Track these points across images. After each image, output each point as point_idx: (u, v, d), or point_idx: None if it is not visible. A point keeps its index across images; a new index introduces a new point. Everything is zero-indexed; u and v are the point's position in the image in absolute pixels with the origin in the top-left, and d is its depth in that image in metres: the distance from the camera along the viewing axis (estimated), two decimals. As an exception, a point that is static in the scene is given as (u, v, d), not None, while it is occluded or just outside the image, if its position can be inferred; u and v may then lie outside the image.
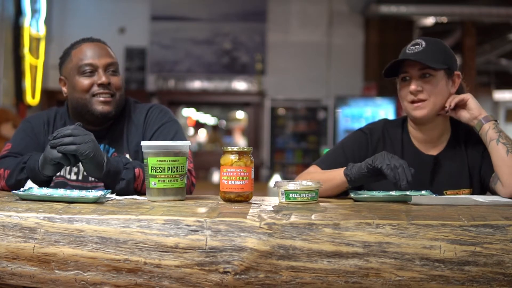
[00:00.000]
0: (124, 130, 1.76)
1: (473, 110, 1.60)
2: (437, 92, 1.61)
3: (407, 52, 1.62)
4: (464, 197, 1.48)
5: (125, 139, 1.75)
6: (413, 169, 1.43)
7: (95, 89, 1.69)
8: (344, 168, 1.52)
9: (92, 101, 1.69)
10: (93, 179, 1.69)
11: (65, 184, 1.70)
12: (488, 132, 1.57)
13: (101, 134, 1.72)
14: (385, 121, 1.78)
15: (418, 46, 1.61)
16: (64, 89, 1.77)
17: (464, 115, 1.62)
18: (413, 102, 1.62)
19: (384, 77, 1.68)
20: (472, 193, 1.64)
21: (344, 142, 1.75)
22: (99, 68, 1.70)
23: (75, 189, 1.65)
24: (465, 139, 1.69)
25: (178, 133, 1.74)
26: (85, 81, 1.69)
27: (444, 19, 8.30)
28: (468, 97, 1.61)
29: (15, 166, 1.57)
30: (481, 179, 1.65)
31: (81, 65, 1.70)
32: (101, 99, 1.69)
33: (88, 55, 1.71)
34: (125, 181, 1.49)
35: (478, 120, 1.59)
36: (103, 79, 1.68)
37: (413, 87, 1.60)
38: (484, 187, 1.66)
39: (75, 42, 1.77)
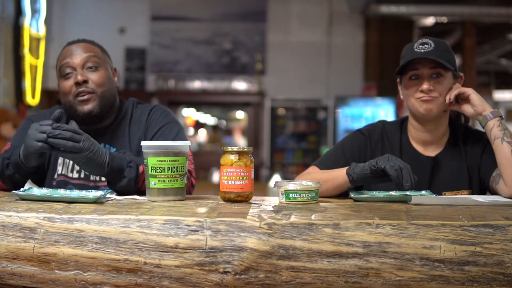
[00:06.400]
0: (126, 130, 1.76)
1: (476, 106, 1.59)
2: (445, 92, 1.62)
3: (417, 51, 1.61)
4: (464, 197, 1.48)
5: (127, 139, 1.75)
6: (416, 177, 1.43)
7: (74, 89, 1.66)
8: (346, 167, 1.52)
9: (75, 102, 1.67)
10: (95, 177, 1.69)
11: (66, 183, 1.69)
12: (493, 129, 1.55)
13: (100, 133, 1.72)
14: (383, 122, 1.78)
15: (427, 46, 1.60)
16: None
17: (468, 109, 1.61)
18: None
19: (395, 75, 1.67)
20: (471, 194, 1.63)
21: (343, 143, 1.75)
22: (77, 67, 1.67)
23: (77, 187, 1.66)
24: (464, 140, 1.69)
25: (179, 134, 1.74)
26: (66, 83, 1.68)
27: (444, 19, 8.30)
28: (470, 91, 1.60)
29: (1, 164, 1.56)
30: (480, 179, 1.65)
31: (61, 67, 1.69)
32: (80, 98, 1.66)
33: (67, 56, 1.69)
34: (126, 179, 1.49)
35: (483, 116, 1.58)
36: (78, 77, 1.65)
37: (425, 86, 1.60)
38: (483, 188, 1.66)
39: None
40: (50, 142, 1.38)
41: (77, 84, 1.66)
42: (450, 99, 1.60)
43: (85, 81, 1.66)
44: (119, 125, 1.77)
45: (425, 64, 1.60)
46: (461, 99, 1.62)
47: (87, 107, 1.67)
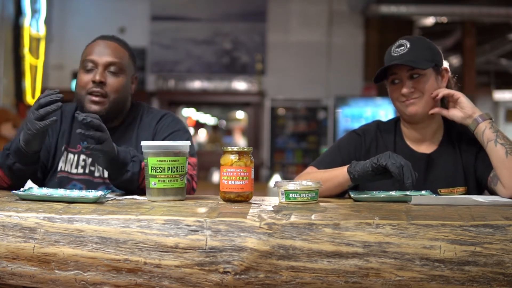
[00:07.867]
0: (134, 133, 1.76)
1: (466, 108, 1.58)
2: (429, 89, 1.62)
3: (393, 55, 1.62)
4: (464, 197, 1.48)
5: (134, 142, 1.74)
6: (416, 173, 1.42)
7: (89, 86, 1.66)
8: (347, 166, 1.52)
9: (86, 99, 1.67)
10: (99, 174, 1.69)
11: (69, 180, 1.69)
12: (485, 132, 1.55)
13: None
14: (378, 122, 1.80)
15: (403, 48, 1.61)
16: None
17: (457, 114, 1.60)
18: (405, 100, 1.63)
19: (375, 83, 1.69)
20: (468, 192, 1.63)
21: (339, 144, 1.76)
22: (99, 66, 1.67)
23: (82, 183, 1.66)
24: (458, 138, 1.69)
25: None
26: (84, 77, 1.68)
27: (444, 19, 8.31)
28: (459, 94, 1.60)
29: (1, 154, 1.58)
30: (477, 179, 1.65)
31: (84, 60, 1.69)
32: (92, 98, 1.66)
33: (93, 51, 1.69)
34: (130, 173, 1.50)
35: (473, 119, 1.57)
36: (97, 77, 1.65)
37: (405, 90, 1.61)
38: (480, 186, 1.66)
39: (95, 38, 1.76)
40: (82, 128, 1.42)
41: (94, 82, 1.66)
42: (437, 95, 1.60)
43: (102, 82, 1.67)
44: (127, 128, 1.77)
45: (402, 68, 1.61)
46: (450, 101, 1.62)
47: (94, 108, 1.67)
